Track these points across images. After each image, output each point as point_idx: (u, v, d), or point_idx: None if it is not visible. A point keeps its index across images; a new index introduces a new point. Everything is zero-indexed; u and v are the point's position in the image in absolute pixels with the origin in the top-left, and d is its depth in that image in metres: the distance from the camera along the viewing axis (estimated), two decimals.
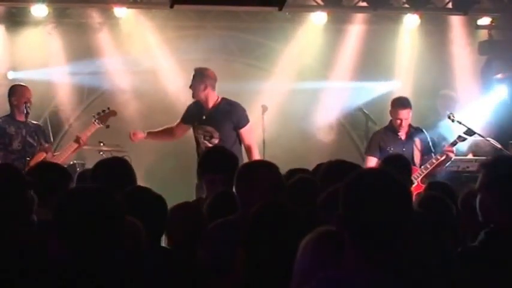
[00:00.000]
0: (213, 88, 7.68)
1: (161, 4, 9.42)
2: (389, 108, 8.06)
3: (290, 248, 2.95)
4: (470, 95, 10.26)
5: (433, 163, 7.77)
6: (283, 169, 4.63)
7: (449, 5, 10.09)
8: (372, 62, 10.34)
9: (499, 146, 7.91)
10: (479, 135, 8.04)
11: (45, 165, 5.27)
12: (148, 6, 9.90)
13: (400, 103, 7.98)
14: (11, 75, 9.67)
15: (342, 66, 10.52)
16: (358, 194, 2.48)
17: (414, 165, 7.85)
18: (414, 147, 7.93)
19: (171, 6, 8.78)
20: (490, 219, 3.31)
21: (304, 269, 2.77)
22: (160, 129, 8.05)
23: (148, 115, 10.13)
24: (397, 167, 5.52)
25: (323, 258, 2.73)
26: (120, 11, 9.73)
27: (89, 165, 6.80)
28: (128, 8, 9.73)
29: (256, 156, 7.48)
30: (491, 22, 10.44)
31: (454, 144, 7.88)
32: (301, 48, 10.43)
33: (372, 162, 7.87)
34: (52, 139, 8.85)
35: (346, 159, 4.60)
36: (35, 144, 7.76)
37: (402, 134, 7.97)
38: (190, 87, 7.70)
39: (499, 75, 10.29)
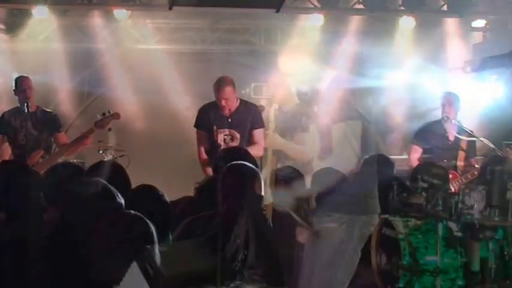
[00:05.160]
0: None
1: (160, 6, 9.52)
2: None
3: None
4: (465, 96, 10.36)
5: (474, 174, 7.67)
6: None
7: (445, 7, 10.20)
8: (368, 63, 10.44)
9: (492, 146, 7.99)
10: (473, 135, 8.12)
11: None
12: (147, 7, 9.98)
13: (446, 92, 8.16)
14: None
15: (338, 68, 10.62)
16: None
17: (455, 170, 7.86)
18: (460, 149, 7.94)
19: (170, 8, 8.89)
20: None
21: None
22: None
23: (148, 115, 10.24)
24: (377, 167, 5.61)
25: None
26: (119, 13, 9.83)
27: (88, 164, 6.85)
28: (128, 9, 9.83)
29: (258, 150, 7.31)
30: (486, 24, 10.55)
31: None
32: (298, 50, 10.53)
33: (416, 152, 7.94)
34: None
35: (342, 158, 4.72)
36: (39, 137, 7.67)
37: (451, 134, 7.95)
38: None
39: (493, 77, 10.39)
